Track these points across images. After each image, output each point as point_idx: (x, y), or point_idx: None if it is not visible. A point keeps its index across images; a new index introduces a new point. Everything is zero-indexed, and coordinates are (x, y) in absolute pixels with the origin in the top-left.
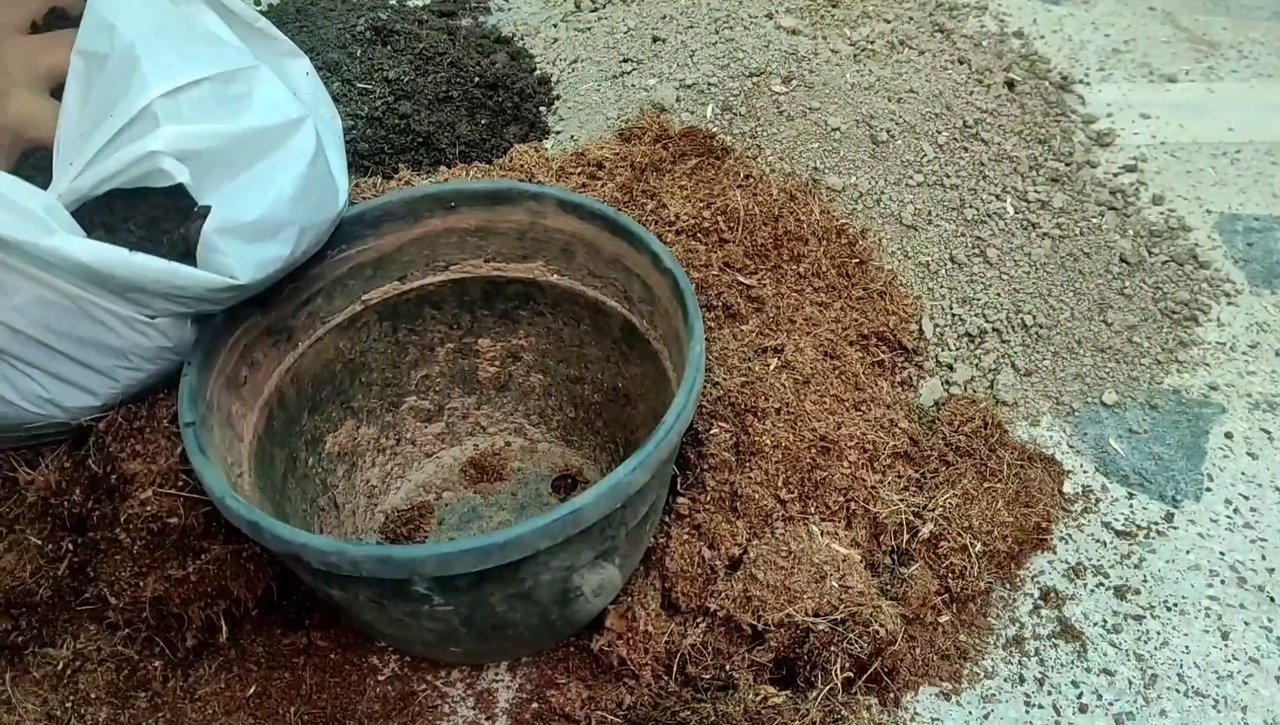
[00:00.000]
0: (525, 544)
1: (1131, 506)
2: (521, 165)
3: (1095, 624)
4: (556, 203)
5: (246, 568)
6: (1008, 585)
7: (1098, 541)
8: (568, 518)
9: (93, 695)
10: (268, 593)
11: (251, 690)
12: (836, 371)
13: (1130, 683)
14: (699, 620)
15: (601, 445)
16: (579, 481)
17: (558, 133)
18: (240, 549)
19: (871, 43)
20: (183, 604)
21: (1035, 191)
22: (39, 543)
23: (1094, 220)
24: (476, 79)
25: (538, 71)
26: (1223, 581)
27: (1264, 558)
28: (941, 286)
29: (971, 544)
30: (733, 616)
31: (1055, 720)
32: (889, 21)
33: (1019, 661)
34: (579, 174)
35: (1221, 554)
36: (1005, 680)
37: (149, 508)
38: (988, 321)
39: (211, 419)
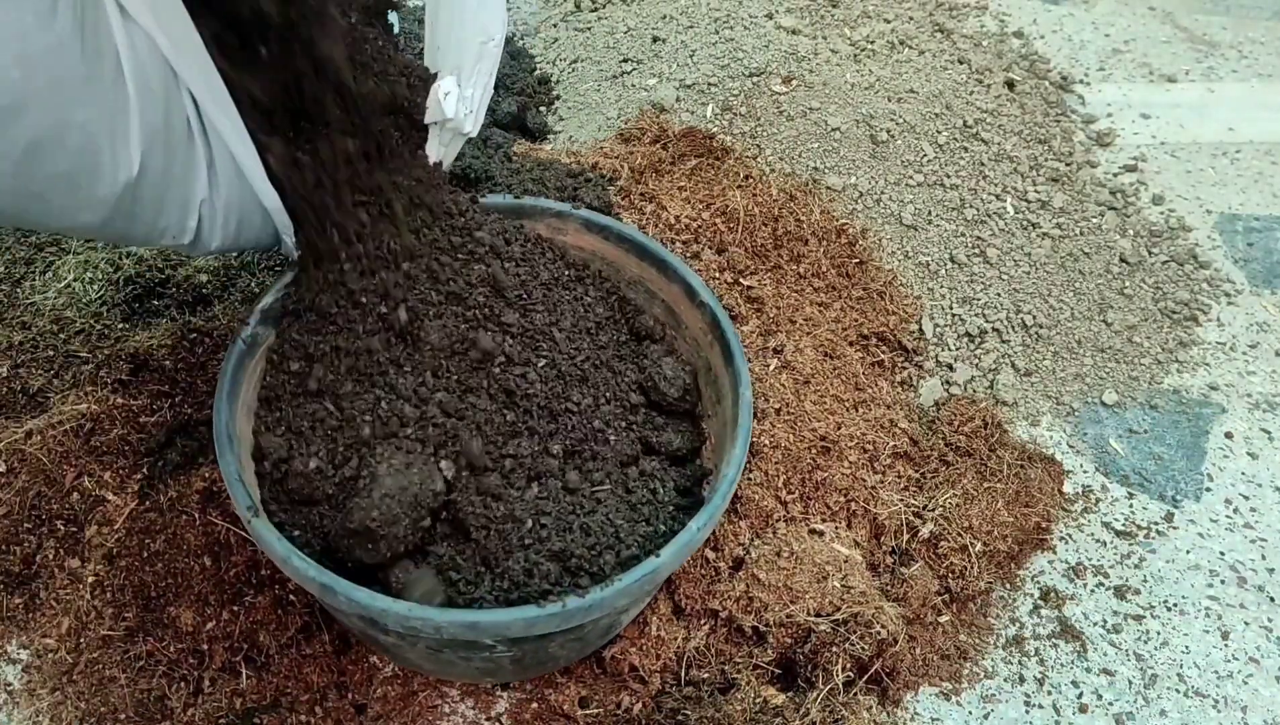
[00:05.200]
0: (607, 604)
1: (1131, 506)
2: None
3: (1095, 624)
4: (581, 222)
5: (276, 614)
6: (1008, 585)
7: (1098, 541)
8: (647, 577)
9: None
10: (291, 640)
11: (267, 701)
12: (836, 372)
13: (1130, 683)
14: (702, 622)
15: None
16: None
17: (558, 133)
18: (282, 596)
19: (871, 43)
20: (210, 641)
21: (1035, 191)
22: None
23: (1094, 220)
24: None
25: (538, 71)
26: (1223, 581)
27: (1264, 558)
28: (941, 286)
29: (971, 544)
30: (735, 618)
31: (1055, 720)
32: (889, 21)
33: (1019, 661)
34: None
35: (1221, 554)
36: (1005, 680)
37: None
38: (988, 321)
39: (241, 451)
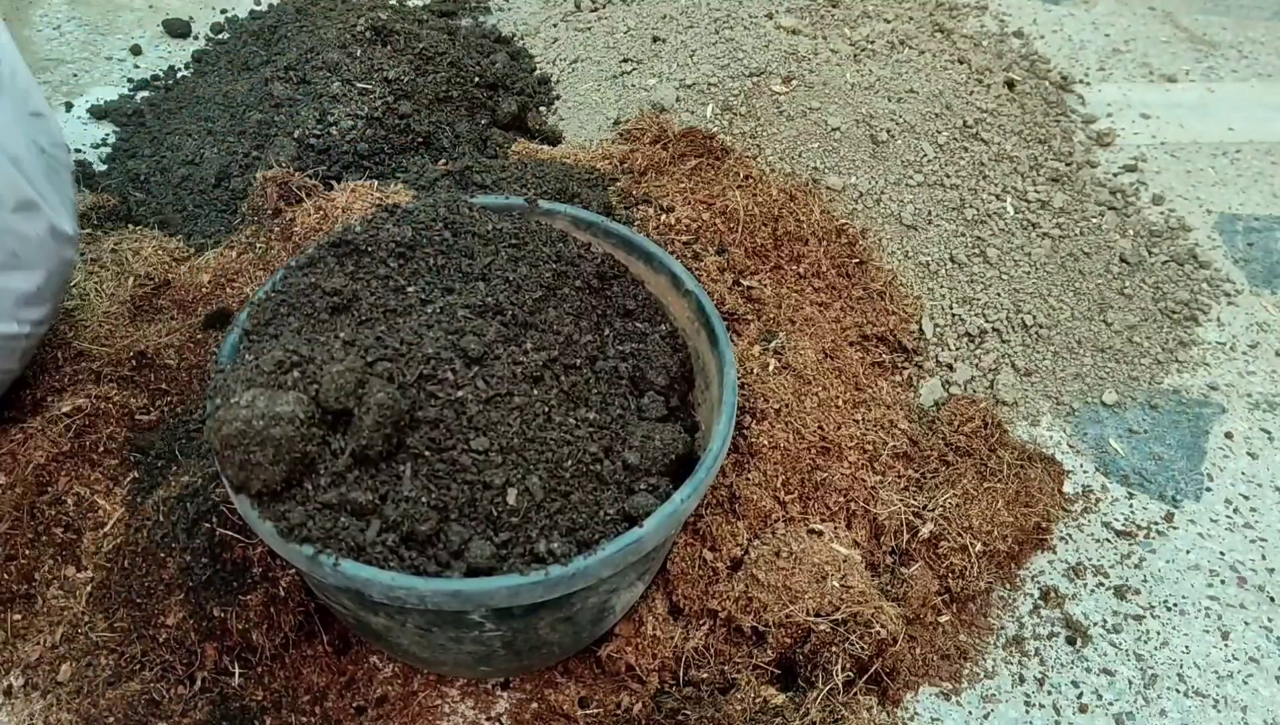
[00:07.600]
0: (591, 573)
1: (1131, 506)
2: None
3: (1095, 624)
4: (570, 220)
5: (269, 613)
6: (1008, 585)
7: (1098, 541)
8: (630, 547)
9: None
10: (285, 641)
11: (260, 696)
12: (836, 372)
13: (1130, 683)
14: (701, 622)
15: None
16: None
17: (559, 133)
18: (275, 594)
19: (871, 43)
20: (199, 639)
21: (1035, 191)
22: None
23: (1094, 220)
24: (476, 79)
25: (538, 71)
26: (1223, 581)
27: (1264, 558)
28: (941, 286)
29: (971, 544)
30: (734, 618)
31: (1055, 720)
32: (889, 21)
33: (1019, 661)
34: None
35: (1221, 554)
36: (1005, 680)
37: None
38: (988, 321)
39: None
